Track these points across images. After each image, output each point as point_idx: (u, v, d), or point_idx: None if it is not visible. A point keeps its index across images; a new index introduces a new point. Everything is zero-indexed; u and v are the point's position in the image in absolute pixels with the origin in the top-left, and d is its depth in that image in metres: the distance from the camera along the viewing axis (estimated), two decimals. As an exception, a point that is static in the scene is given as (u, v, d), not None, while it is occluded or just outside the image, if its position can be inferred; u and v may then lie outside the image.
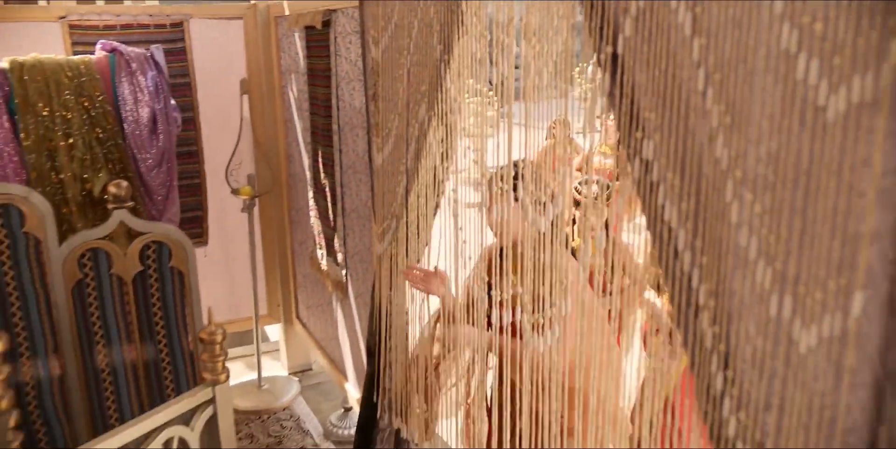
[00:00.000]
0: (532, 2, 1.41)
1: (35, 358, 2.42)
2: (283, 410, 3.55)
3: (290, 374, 4.00)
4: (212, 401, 2.02)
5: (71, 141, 2.89)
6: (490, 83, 1.62)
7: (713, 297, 1.05)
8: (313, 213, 3.29)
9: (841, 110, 0.84)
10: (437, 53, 1.85)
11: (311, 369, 4.04)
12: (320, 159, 3.12)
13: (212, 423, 2.05)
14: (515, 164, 1.77)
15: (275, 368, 4.08)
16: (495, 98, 1.61)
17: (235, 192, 3.43)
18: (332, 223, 3.03)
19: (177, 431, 1.92)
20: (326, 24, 2.86)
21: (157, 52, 3.14)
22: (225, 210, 3.70)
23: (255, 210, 3.62)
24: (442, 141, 1.99)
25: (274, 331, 4.34)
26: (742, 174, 0.96)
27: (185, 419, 1.96)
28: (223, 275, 3.81)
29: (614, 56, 1.16)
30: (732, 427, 1.05)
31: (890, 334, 0.88)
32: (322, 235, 3.22)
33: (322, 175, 3.10)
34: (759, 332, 0.98)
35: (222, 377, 2.03)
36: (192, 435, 1.95)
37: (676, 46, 1.04)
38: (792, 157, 0.90)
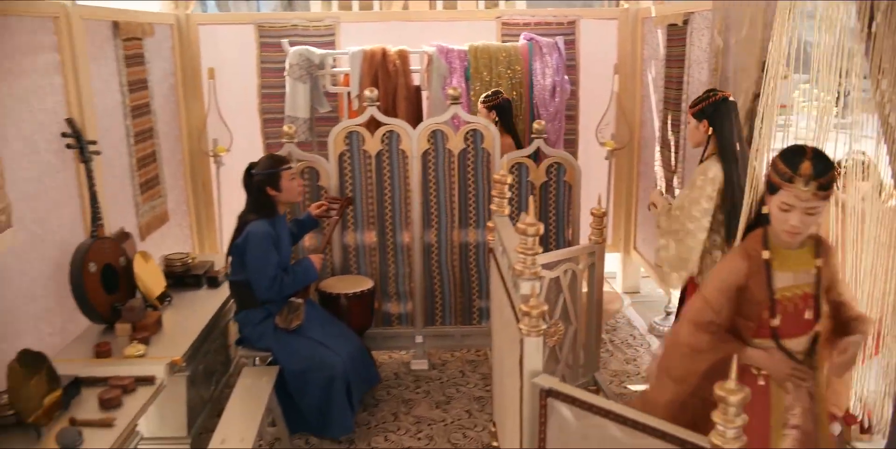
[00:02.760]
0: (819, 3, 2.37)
1: (478, 228, 3.85)
2: (618, 312, 4.72)
3: (622, 293, 5.16)
4: (593, 254, 3.23)
5: (500, 99, 4.31)
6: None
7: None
8: (658, 162, 4.38)
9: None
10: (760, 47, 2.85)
11: (638, 292, 5.15)
12: (669, 121, 4.20)
13: (591, 269, 3.26)
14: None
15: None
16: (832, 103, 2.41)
17: (602, 144, 4.66)
18: (673, 167, 4.11)
19: (571, 266, 3.15)
20: (685, 22, 3.93)
21: (560, 41, 4.47)
22: (588, 159, 4.94)
23: (612, 161, 4.80)
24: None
25: (611, 259, 5.48)
26: (923, 90, 1.88)
27: (576, 261, 3.19)
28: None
29: (870, 33, 2.11)
30: None
31: None
32: (663, 178, 4.30)
33: (669, 132, 4.18)
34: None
35: (601, 240, 3.23)
36: (579, 269, 3.18)
37: (901, 26, 1.98)
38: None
